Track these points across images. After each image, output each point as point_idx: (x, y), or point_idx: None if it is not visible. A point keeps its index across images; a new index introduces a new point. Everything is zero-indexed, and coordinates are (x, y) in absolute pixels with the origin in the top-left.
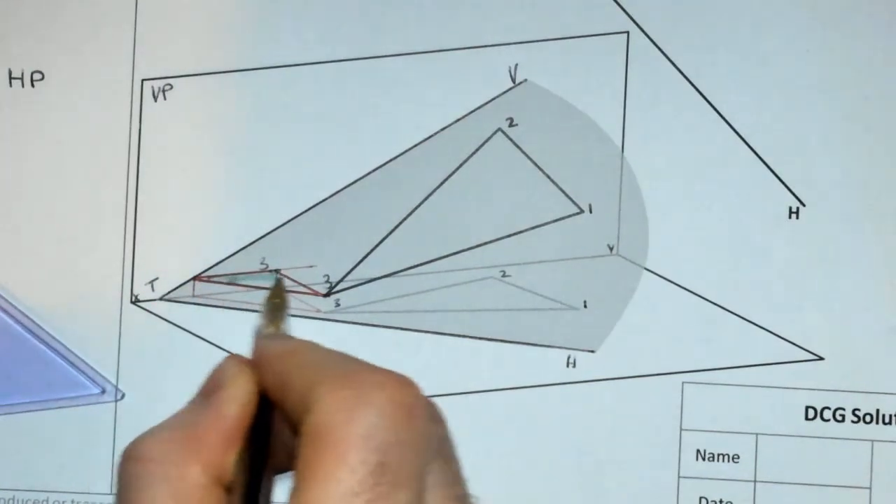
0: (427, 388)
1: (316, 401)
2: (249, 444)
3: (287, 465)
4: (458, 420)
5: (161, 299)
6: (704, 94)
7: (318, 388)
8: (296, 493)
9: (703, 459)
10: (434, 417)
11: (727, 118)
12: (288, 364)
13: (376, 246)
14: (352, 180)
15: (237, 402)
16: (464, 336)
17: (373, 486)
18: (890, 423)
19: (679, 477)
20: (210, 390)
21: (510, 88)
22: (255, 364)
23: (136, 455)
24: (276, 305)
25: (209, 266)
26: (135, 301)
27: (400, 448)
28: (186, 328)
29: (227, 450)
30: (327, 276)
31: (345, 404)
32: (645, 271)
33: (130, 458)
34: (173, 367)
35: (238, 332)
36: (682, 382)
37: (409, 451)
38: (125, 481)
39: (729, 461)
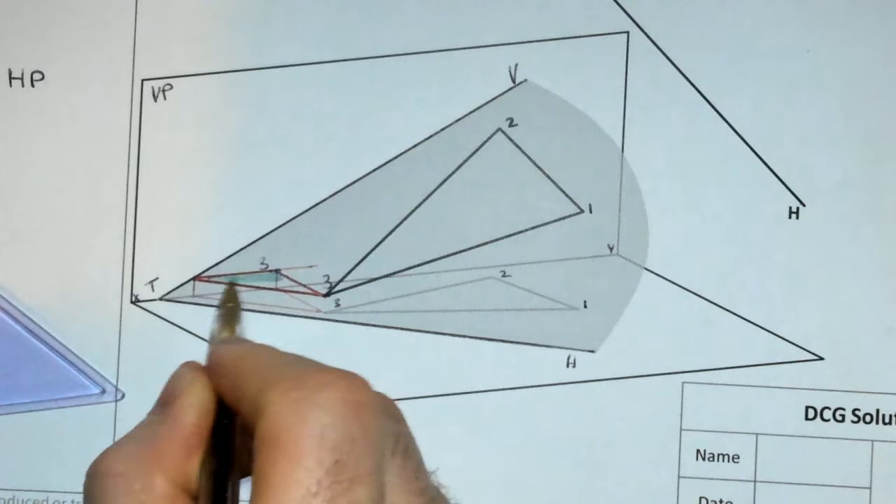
0: (427, 388)
1: (266, 405)
2: (212, 450)
3: (251, 469)
4: (458, 420)
5: (161, 299)
6: (704, 94)
7: (269, 391)
8: (255, 499)
9: (703, 459)
10: (388, 413)
11: (727, 118)
12: (239, 369)
13: (376, 246)
14: (352, 180)
15: (194, 409)
16: (464, 336)
17: (331, 485)
18: (890, 423)
19: (679, 477)
20: (167, 400)
21: (510, 88)
22: (210, 370)
23: (100, 471)
24: (230, 310)
25: (209, 266)
26: (135, 301)
27: (354, 445)
28: (186, 328)
29: (189, 457)
30: (327, 276)
31: (295, 406)
32: (645, 271)
33: (95, 474)
34: (173, 367)
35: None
36: (682, 382)
37: (364, 448)
38: (92, 498)
39: (729, 461)
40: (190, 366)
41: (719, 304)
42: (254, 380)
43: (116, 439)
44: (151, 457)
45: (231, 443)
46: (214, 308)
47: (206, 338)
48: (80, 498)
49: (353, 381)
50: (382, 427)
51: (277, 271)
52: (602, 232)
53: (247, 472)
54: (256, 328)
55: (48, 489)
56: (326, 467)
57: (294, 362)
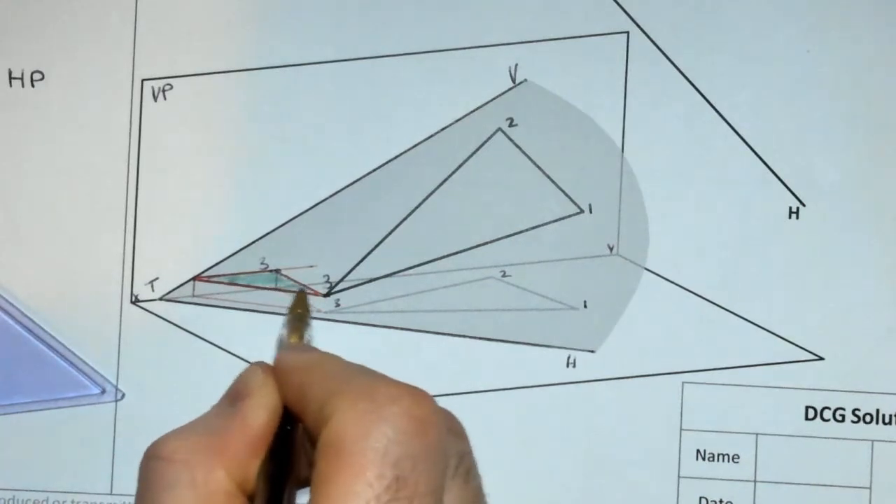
0: (427, 389)
1: (332, 414)
2: (272, 454)
3: (309, 478)
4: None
5: (161, 299)
6: (704, 94)
7: (335, 401)
8: None
9: (703, 459)
10: (453, 431)
11: (727, 118)
12: (307, 377)
13: (376, 246)
14: (352, 180)
15: (264, 410)
16: (464, 336)
17: (389, 501)
18: (890, 423)
19: (679, 477)
20: (237, 396)
21: (510, 88)
22: (276, 375)
23: (162, 454)
24: (299, 316)
25: (209, 266)
26: (135, 301)
27: (416, 462)
28: (186, 328)
29: (252, 458)
30: (327, 276)
31: (361, 418)
32: (645, 271)
33: (155, 456)
34: (173, 367)
35: (238, 332)
36: (682, 382)
37: (426, 466)
38: (149, 479)
39: (729, 461)
40: (261, 366)
41: (719, 304)
42: (321, 389)
43: (116, 439)
44: (217, 450)
45: (292, 449)
46: (284, 314)
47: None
48: (80, 498)
49: (420, 397)
50: (446, 446)
51: (277, 271)
52: (602, 232)
53: (303, 481)
54: (257, 328)
55: (48, 489)
56: (387, 483)
57: (362, 374)
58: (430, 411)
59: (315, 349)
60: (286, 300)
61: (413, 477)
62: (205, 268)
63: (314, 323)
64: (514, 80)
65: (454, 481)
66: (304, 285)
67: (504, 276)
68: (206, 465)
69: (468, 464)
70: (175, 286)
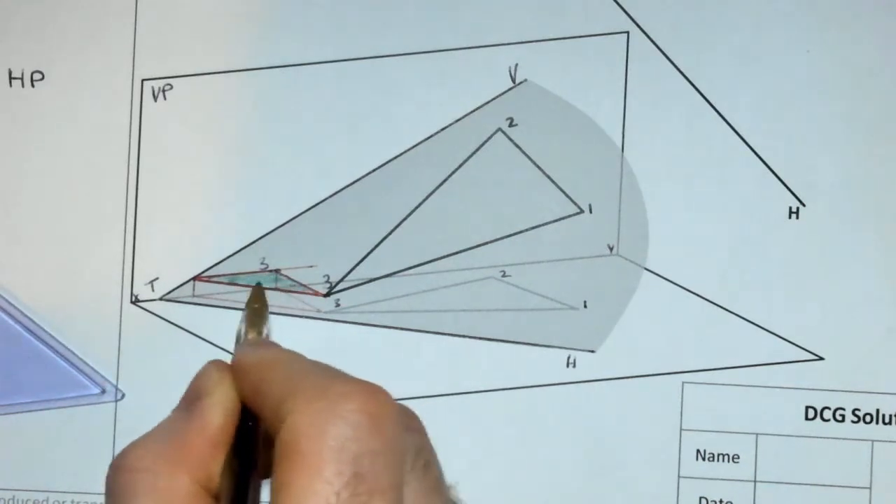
0: (427, 388)
1: (288, 413)
2: (235, 451)
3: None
4: (458, 420)
5: (161, 299)
6: (704, 94)
7: (291, 400)
8: None
9: (703, 459)
10: (410, 426)
11: (727, 118)
12: (263, 375)
13: (376, 246)
14: (352, 180)
15: (221, 409)
16: (464, 336)
17: (349, 498)
18: (890, 423)
19: (679, 477)
20: (193, 398)
21: (510, 88)
22: (234, 372)
23: (125, 466)
24: (257, 311)
25: (209, 266)
26: (135, 301)
27: (374, 458)
28: (186, 328)
29: (214, 457)
30: (327, 276)
31: (316, 417)
32: (645, 271)
33: (119, 469)
34: (173, 367)
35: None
36: (682, 382)
37: (384, 460)
38: (114, 492)
39: (729, 461)
40: (217, 364)
41: (719, 304)
42: (277, 387)
43: (116, 439)
44: (177, 454)
45: (254, 444)
46: (241, 309)
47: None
48: (80, 498)
49: (375, 393)
50: (403, 440)
51: (277, 271)
52: (602, 232)
53: (268, 474)
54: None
55: (48, 489)
56: (346, 480)
57: (318, 372)
58: (386, 407)
59: (274, 345)
60: (287, 300)
61: (372, 472)
62: (205, 268)
63: (315, 324)
64: (514, 80)
65: (413, 474)
66: (305, 285)
67: (504, 276)
68: (168, 471)
69: (426, 456)
70: (175, 286)
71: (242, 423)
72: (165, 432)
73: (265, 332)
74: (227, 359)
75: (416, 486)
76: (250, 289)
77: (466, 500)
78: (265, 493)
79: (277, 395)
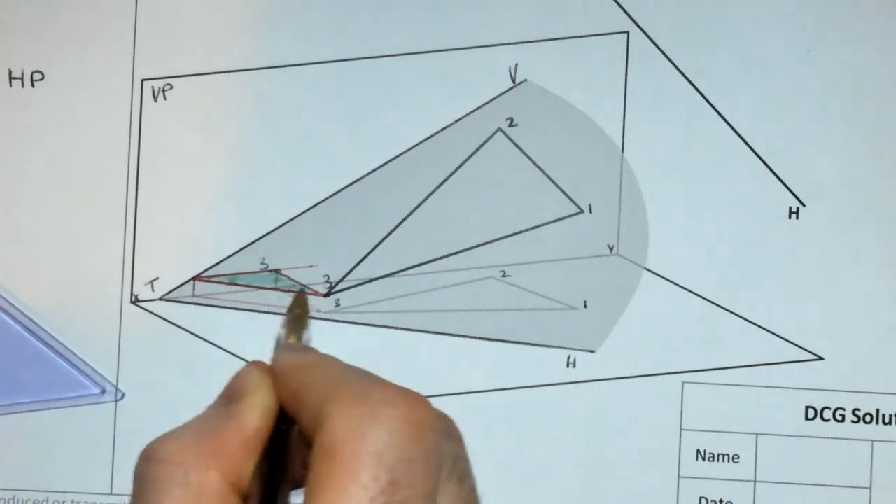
0: (427, 388)
1: (328, 417)
2: (268, 455)
3: (304, 479)
4: (458, 420)
5: (161, 299)
6: (704, 94)
7: (331, 404)
8: None
9: (703, 459)
10: (448, 434)
11: (727, 118)
12: (303, 378)
13: (376, 246)
14: (352, 180)
15: (259, 411)
16: (464, 336)
17: None
18: (890, 423)
19: (679, 477)
20: (232, 397)
21: (510, 88)
22: (273, 375)
23: (156, 457)
24: (298, 317)
25: (209, 266)
26: (135, 301)
27: (411, 466)
28: (186, 328)
29: (247, 459)
30: (327, 276)
31: (356, 421)
32: (645, 271)
33: (150, 459)
34: (173, 367)
35: (238, 332)
36: (682, 382)
37: (421, 469)
38: (144, 482)
39: (729, 461)
40: (258, 366)
41: (719, 304)
42: (317, 390)
43: (116, 439)
44: (211, 451)
45: (287, 450)
46: (283, 314)
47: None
48: (80, 498)
49: (416, 401)
50: (441, 449)
51: (277, 271)
52: (602, 232)
53: (298, 483)
54: (257, 328)
55: (48, 489)
56: (382, 486)
57: (359, 377)
58: (427, 415)
59: (313, 350)
60: (286, 300)
61: (408, 480)
62: (205, 268)
63: (314, 323)
64: (514, 80)
65: (448, 484)
66: (304, 285)
67: (504, 276)
68: (201, 467)
69: (462, 467)
70: (175, 286)
71: (277, 429)
72: (200, 428)
73: (305, 337)
74: (229, 360)
75: (450, 496)
76: (293, 295)
77: None
78: (295, 500)
79: (317, 399)
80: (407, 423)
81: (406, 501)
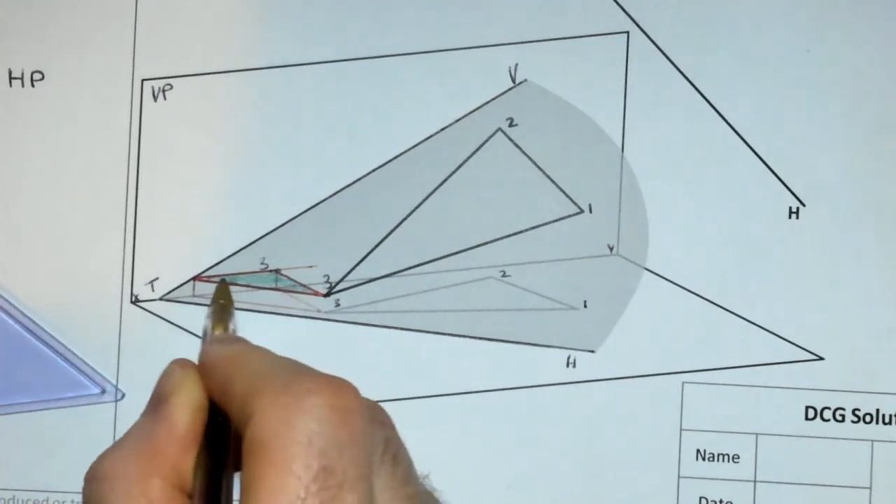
0: (427, 389)
1: (255, 410)
2: (205, 449)
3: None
4: (458, 420)
5: (161, 299)
6: (704, 94)
7: (257, 397)
8: None
9: (703, 459)
10: (376, 419)
11: (727, 118)
12: (228, 371)
13: (376, 246)
14: (352, 180)
15: (187, 408)
16: (464, 336)
17: (318, 491)
18: (890, 423)
19: (679, 477)
20: (159, 399)
21: (510, 88)
22: (201, 369)
23: (98, 475)
24: (222, 307)
25: (209, 266)
26: (135, 301)
27: (341, 451)
28: (186, 328)
29: (184, 457)
30: (327, 276)
31: (282, 412)
32: (645, 271)
33: (93, 479)
34: None
35: (238, 332)
36: (682, 382)
37: (352, 454)
38: (90, 502)
39: (729, 461)
40: (180, 363)
41: (719, 304)
42: (243, 384)
43: (116, 439)
44: (147, 459)
45: (224, 441)
46: (242, 309)
47: (200, 336)
48: (79, 498)
49: (341, 387)
50: (370, 433)
51: (277, 271)
52: (602, 232)
53: (240, 468)
54: (257, 328)
55: (48, 489)
56: (314, 473)
57: (283, 367)
58: (352, 401)
59: (240, 340)
60: (287, 300)
61: (340, 465)
62: (205, 268)
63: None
64: (514, 80)
65: (382, 467)
66: (305, 285)
67: (504, 276)
68: (140, 476)
69: (394, 449)
70: (175, 286)
71: (212, 420)
72: (134, 437)
73: (231, 327)
74: None
75: (385, 478)
76: (216, 285)
77: (442, 490)
78: (238, 489)
79: (243, 392)
80: (333, 409)
81: (341, 485)
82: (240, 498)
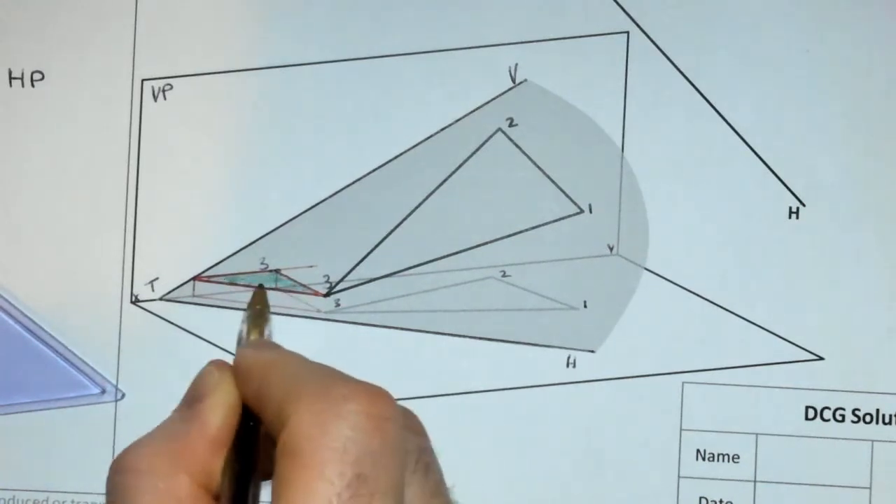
0: (427, 388)
1: (290, 415)
2: (235, 451)
3: (273, 470)
4: (458, 420)
5: (161, 299)
6: (704, 94)
7: (293, 402)
8: None
9: (703, 459)
10: (410, 427)
11: (727, 118)
12: (264, 376)
13: (376, 246)
14: (352, 180)
15: (221, 410)
16: (464, 336)
17: (351, 498)
18: (890, 423)
19: (679, 477)
20: (194, 398)
21: (510, 88)
22: (235, 373)
23: (125, 467)
24: (258, 312)
25: (209, 266)
26: (135, 301)
27: (375, 459)
28: (186, 328)
29: (213, 458)
30: (327, 276)
31: (319, 418)
32: (645, 271)
33: (119, 470)
34: (173, 367)
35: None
36: (682, 382)
37: (385, 462)
38: (115, 494)
39: (729, 461)
40: (217, 365)
41: (719, 304)
42: (279, 389)
43: (116, 439)
44: (176, 455)
45: (254, 445)
46: (242, 309)
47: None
48: (80, 498)
49: (377, 395)
50: (405, 442)
51: (277, 271)
52: (602, 232)
53: (268, 475)
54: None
55: (48, 489)
56: (347, 480)
57: (320, 373)
58: (388, 408)
59: (275, 346)
60: (287, 300)
61: (373, 473)
62: (205, 268)
63: (315, 323)
64: (514, 80)
65: (414, 476)
66: (305, 285)
67: (504, 276)
68: (168, 472)
69: (427, 459)
70: (175, 286)
71: (244, 424)
72: (165, 433)
73: (267, 332)
74: (228, 359)
75: (417, 487)
76: (252, 290)
77: (464, 501)
78: (265, 494)
79: (279, 397)
80: (368, 417)
81: (374, 494)
82: (271, 500)
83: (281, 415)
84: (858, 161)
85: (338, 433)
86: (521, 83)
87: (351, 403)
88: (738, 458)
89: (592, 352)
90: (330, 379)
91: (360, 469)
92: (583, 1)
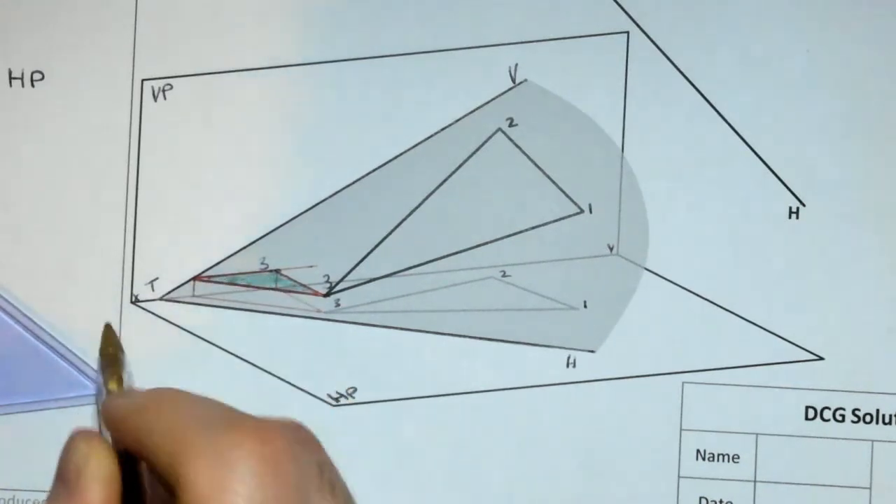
0: (427, 388)
1: (185, 477)
2: (124, 497)
3: (167, 501)
4: (458, 420)
5: (161, 299)
6: (704, 94)
7: (183, 464)
8: None
9: (703, 459)
10: (304, 444)
11: (727, 118)
12: (144, 424)
13: (376, 246)
14: (352, 180)
15: (99, 483)
16: (464, 336)
17: None
18: (890, 423)
19: (679, 477)
20: (67, 477)
21: (510, 88)
22: (108, 424)
23: None
24: (112, 358)
25: (209, 266)
26: (135, 301)
27: (279, 498)
28: (186, 328)
29: None
30: (327, 276)
31: (212, 479)
32: (645, 271)
33: None
34: (173, 367)
35: (238, 332)
36: (682, 382)
37: (290, 497)
38: None
39: (729, 461)
40: (82, 435)
41: (719, 304)
42: (164, 438)
43: None
44: None
45: (140, 491)
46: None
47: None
48: None
49: (263, 433)
50: (304, 468)
51: (277, 271)
52: (602, 232)
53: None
54: (257, 328)
55: (48, 489)
56: None
57: (203, 419)
58: (278, 442)
59: (136, 392)
60: (287, 300)
61: None
62: (205, 268)
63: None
64: (514, 80)
65: (321, 494)
66: (305, 285)
67: (504, 276)
68: None
69: (329, 474)
70: (175, 286)
71: (126, 480)
72: None
73: (125, 376)
74: (229, 360)
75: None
76: (102, 332)
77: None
78: None
79: (165, 452)
80: (261, 460)
81: None
82: None
83: (173, 474)
84: (858, 161)
85: (237, 488)
86: (521, 83)
87: (239, 450)
88: (738, 458)
89: (592, 352)
90: (214, 426)
91: None
92: (583, 1)
